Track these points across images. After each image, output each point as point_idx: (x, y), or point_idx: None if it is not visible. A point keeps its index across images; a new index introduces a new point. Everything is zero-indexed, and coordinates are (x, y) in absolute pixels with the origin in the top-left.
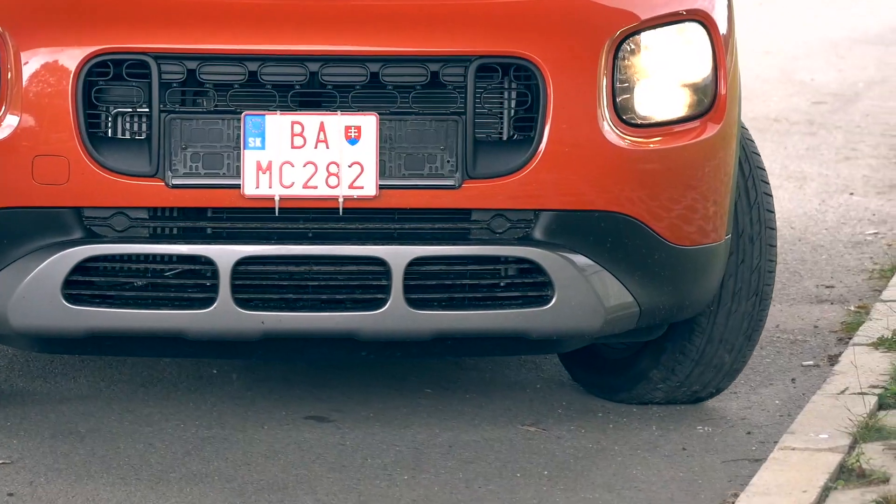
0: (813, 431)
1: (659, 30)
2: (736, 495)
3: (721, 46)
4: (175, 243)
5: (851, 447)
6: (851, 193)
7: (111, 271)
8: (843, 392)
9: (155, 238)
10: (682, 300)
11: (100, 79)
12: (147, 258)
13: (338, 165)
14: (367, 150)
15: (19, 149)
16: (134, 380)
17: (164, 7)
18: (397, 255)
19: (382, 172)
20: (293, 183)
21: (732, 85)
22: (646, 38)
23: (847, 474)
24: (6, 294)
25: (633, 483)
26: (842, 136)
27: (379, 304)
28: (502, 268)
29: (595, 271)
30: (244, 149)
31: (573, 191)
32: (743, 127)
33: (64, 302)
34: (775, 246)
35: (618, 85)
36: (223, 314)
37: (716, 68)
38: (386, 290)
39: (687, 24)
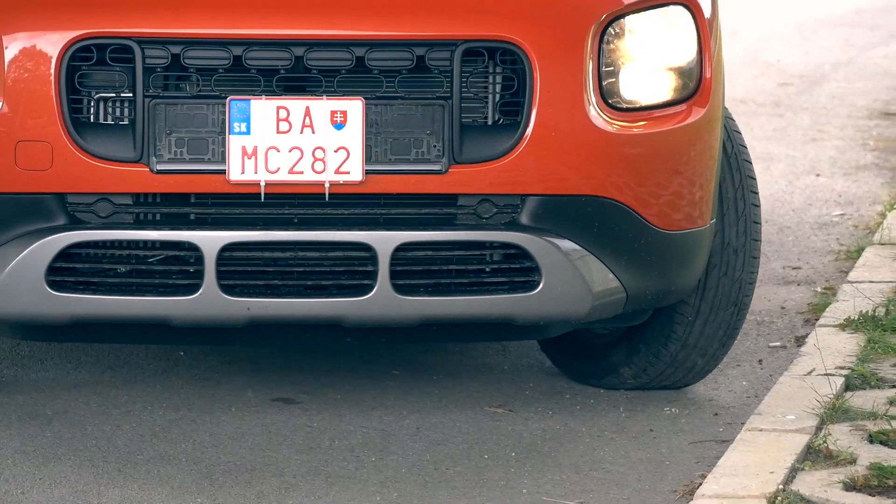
0: (780, 413)
1: (644, 13)
2: (703, 476)
3: (706, 30)
4: (160, 229)
5: (818, 428)
6: (818, 175)
7: (95, 258)
8: (809, 373)
9: (139, 224)
10: (668, 285)
11: (83, 63)
12: (131, 244)
13: (324, 150)
14: (353, 135)
15: (2, 134)
16: (101, 362)
17: None
18: (383, 241)
19: (368, 157)
20: (279, 168)
21: (717, 69)
22: (631, 21)
23: (814, 455)
24: None
25: (601, 464)
26: (808, 117)
27: (365, 289)
28: (489, 253)
29: (582, 256)
30: (229, 134)
31: (560, 175)
32: (729, 118)
33: (48, 289)
34: (758, 258)
35: (604, 69)
36: (209, 300)
37: (700, 52)
38: (372, 275)
39: (672, 7)
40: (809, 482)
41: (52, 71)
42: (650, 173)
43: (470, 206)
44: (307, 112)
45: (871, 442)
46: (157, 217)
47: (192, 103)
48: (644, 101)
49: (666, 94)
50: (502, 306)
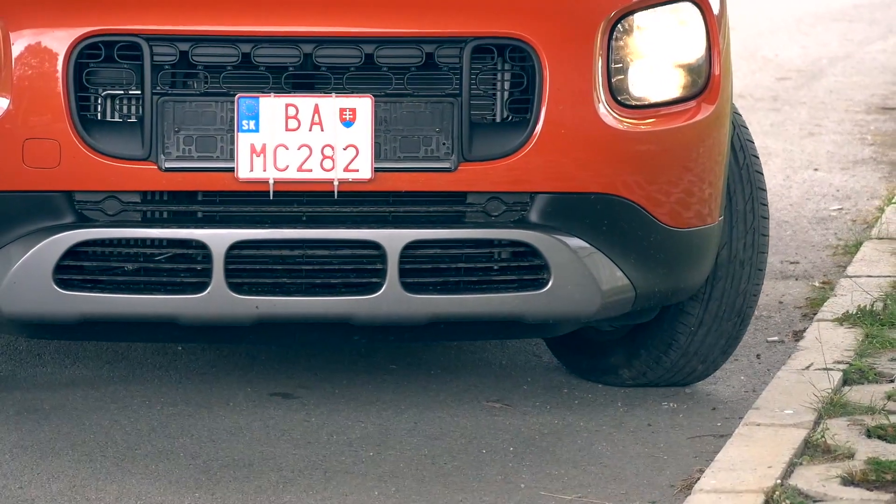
0: (778, 407)
1: (654, 10)
2: (701, 471)
3: (714, 26)
4: (168, 227)
5: (816, 423)
6: (816, 169)
7: (103, 256)
8: (807, 368)
9: (147, 222)
10: (677, 283)
11: (91, 61)
12: (139, 242)
13: (333, 148)
14: (363, 132)
15: (9, 132)
16: (99, 358)
17: None
18: (392, 239)
19: (377, 155)
20: (287, 166)
21: (725, 66)
22: (641, 18)
23: (812, 450)
24: None
25: (599, 459)
26: (806, 112)
27: (374, 288)
28: (498, 251)
29: (591, 254)
30: (238, 131)
31: (569, 173)
32: (743, 126)
33: (55, 287)
34: (764, 269)
35: (613, 66)
36: (217, 299)
37: (709, 49)
38: (381, 274)
39: (681, 3)
40: (807, 477)
41: (60, 68)
42: (659, 171)
43: (479, 204)
44: (316, 109)
45: (869, 436)
46: (165, 215)
47: (201, 101)
48: (653, 99)
49: (675, 91)
50: (511, 304)
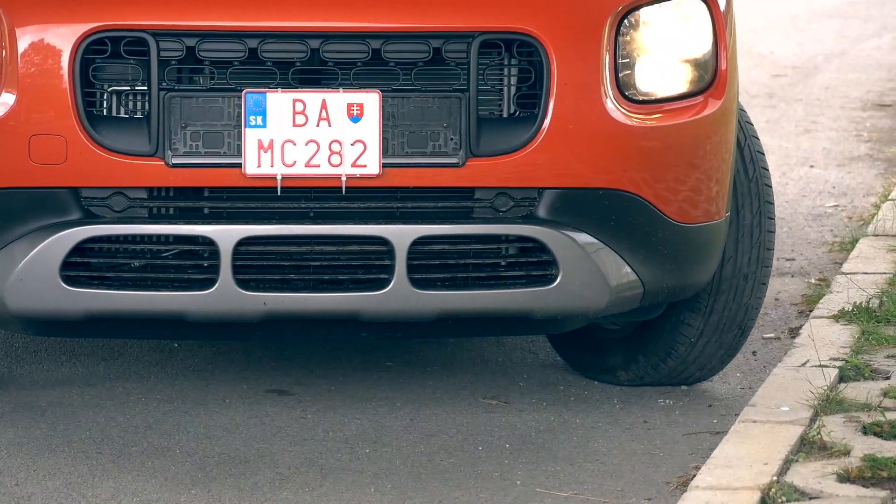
0: (774, 404)
1: (660, 4)
2: (697, 468)
3: (721, 21)
4: (175, 223)
5: (812, 420)
6: (812, 166)
7: (110, 252)
8: (803, 365)
9: (154, 218)
10: (685, 279)
11: (97, 56)
12: (146, 239)
13: (340, 144)
14: (370, 127)
15: (15, 128)
16: (95, 354)
17: None
18: (400, 235)
19: (385, 150)
20: (295, 162)
21: (732, 61)
22: (647, 12)
23: (808, 447)
24: (2, 276)
25: (595, 456)
26: (802, 108)
27: (382, 284)
28: (506, 247)
29: (599, 249)
30: (245, 127)
31: (577, 168)
32: (755, 136)
33: (62, 284)
34: (767, 284)
35: (620, 61)
36: (224, 295)
37: (716, 43)
38: (389, 269)
39: None
40: (803, 474)
41: (66, 64)
42: (667, 166)
43: (487, 200)
44: (323, 105)
45: (865, 433)
46: (172, 211)
47: (208, 96)
48: (660, 94)
49: (682, 86)
50: (520, 300)
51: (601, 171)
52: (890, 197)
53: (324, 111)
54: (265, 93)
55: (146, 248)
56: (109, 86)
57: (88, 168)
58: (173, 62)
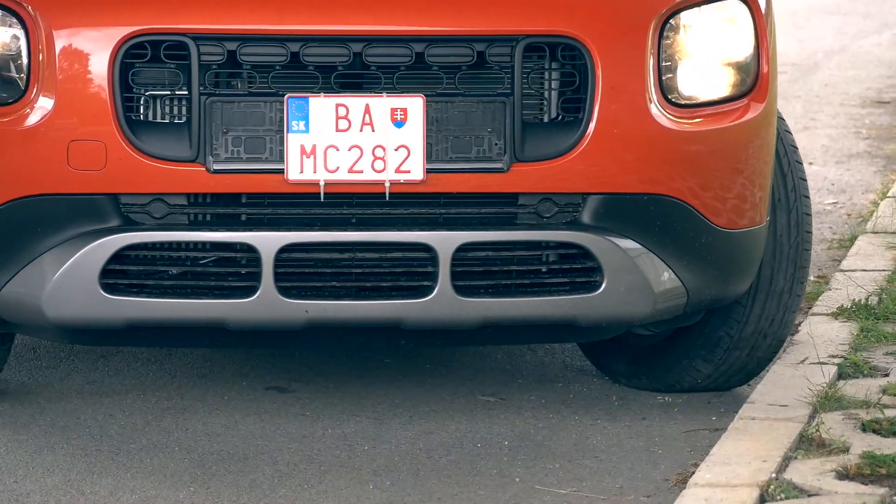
0: (773, 401)
1: (703, 7)
2: (696, 465)
3: (763, 23)
4: (216, 230)
5: (811, 417)
6: (811, 163)
7: (150, 260)
8: (802, 362)
9: (195, 225)
10: (727, 285)
11: (137, 61)
12: (187, 246)
13: (384, 149)
14: (414, 132)
15: (54, 134)
16: (94, 351)
17: None
18: (444, 241)
19: (429, 156)
20: (338, 167)
21: (773, 63)
22: (690, 16)
23: (807, 444)
24: (41, 284)
25: (594, 453)
26: (801, 105)
27: (425, 291)
28: (550, 253)
29: (644, 256)
30: (287, 132)
31: (622, 173)
32: (798, 162)
33: (102, 292)
34: (802, 295)
35: (663, 64)
36: (266, 303)
37: (758, 46)
38: (432, 276)
39: (729, 0)
40: (802, 471)
41: (105, 68)
42: (711, 171)
43: (531, 206)
44: (367, 109)
45: (864, 431)
46: (213, 218)
47: (249, 101)
48: (703, 97)
49: (724, 89)
50: (564, 307)
51: (646, 176)
52: (889, 194)
53: (367, 116)
54: (308, 97)
55: (186, 255)
56: (149, 90)
57: (128, 174)
58: (214, 66)
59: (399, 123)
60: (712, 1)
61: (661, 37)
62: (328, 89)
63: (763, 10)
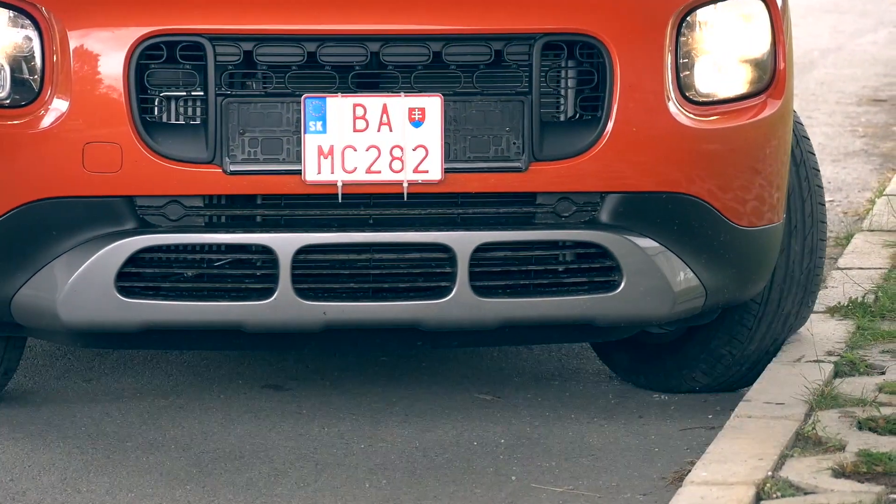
0: (769, 399)
1: (719, 4)
2: (692, 463)
3: (779, 20)
4: (232, 232)
5: (807, 415)
6: None
7: (166, 262)
8: (799, 360)
9: (211, 227)
10: (744, 284)
11: (152, 62)
12: (203, 248)
13: (402, 149)
14: (432, 132)
15: (69, 136)
16: (90, 349)
17: None
18: (462, 242)
19: (447, 156)
20: (356, 168)
21: (789, 60)
22: (707, 13)
23: (803, 442)
24: (56, 287)
25: (590, 451)
26: (797, 104)
27: (444, 292)
28: (568, 253)
29: (663, 255)
30: (305, 133)
31: (641, 172)
32: (819, 185)
33: (117, 295)
34: (808, 316)
35: (681, 62)
36: (284, 305)
37: (774, 43)
38: (451, 277)
39: None
40: (798, 469)
41: (121, 69)
42: (729, 169)
43: (549, 205)
44: (384, 109)
45: (860, 429)
46: (229, 220)
47: (266, 102)
48: (721, 95)
49: (742, 86)
50: (583, 307)
51: (664, 174)
52: (885, 192)
53: (385, 116)
54: (325, 97)
55: (203, 257)
56: (164, 92)
57: (144, 176)
58: (230, 67)
59: (417, 123)
60: None
61: (678, 34)
62: (345, 89)
63: (779, 6)
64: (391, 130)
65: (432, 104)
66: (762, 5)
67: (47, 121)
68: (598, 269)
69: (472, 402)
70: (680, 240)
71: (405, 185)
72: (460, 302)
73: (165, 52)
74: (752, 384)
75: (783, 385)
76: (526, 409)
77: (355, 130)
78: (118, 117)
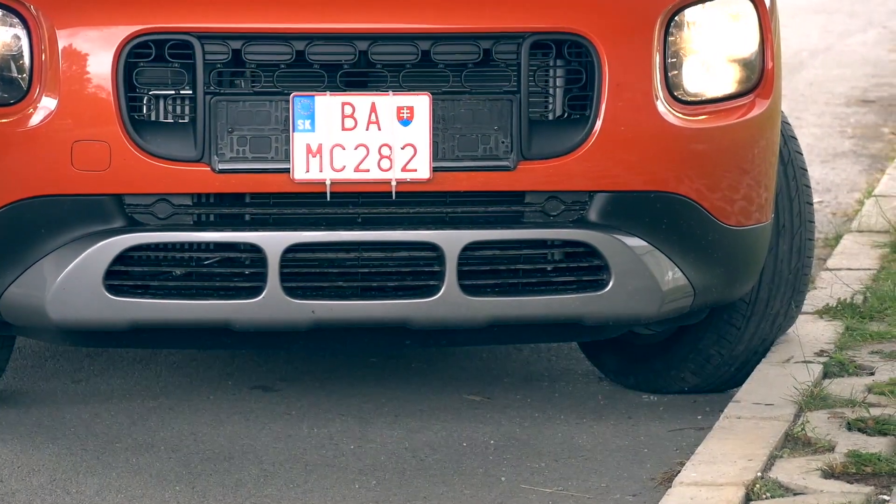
0: (759, 400)
1: (707, 4)
2: (682, 464)
3: (767, 19)
4: (221, 230)
5: (797, 416)
6: None
7: (154, 261)
8: (788, 360)
9: (200, 225)
10: (733, 283)
11: (140, 60)
12: (191, 246)
13: (390, 148)
14: (421, 131)
15: (57, 134)
16: (79, 351)
17: None
18: (451, 240)
19: (435, 154)
20: (344, 166)
21: (777, 60)
22: (696, 12)
23: (792, 442)
24: (45, 286)
25: (579, 452)
26: (786, 105)
27: (432, 290)
28: (557, 252)
29: (651, 254)
30: (293, 131)
31: (629, 171)
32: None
33: (106, 293)
34: (797, 316)
35: (669, 61)
36: (272, 303)
37: (762, 42)
38: (439, 276)
39: None
40: (788, 469)
41: (110, 68)
42: (717, 168)
43: (537, 204)
44: (373, 108)
45: (850, 429)
46: (218, 218)
47: (255, 100)
48: (709, 94)
49: (730, 86)
50: (571, 306)
51: (653, 173)
52: (874, 193)
53: (373, 114)
54: (313, 96)
55: (191, 255)
56: (153, 90)
57: (132, 174)
58: (219, 65)
59: (405, 122)
60: None
61: (666, 33)
62: (334, 88)
63: (768, 6)
64: (380, 129)
65: (421, 103)
66: (750, 5)
67: (36, 119)
68: (586, 269)
69: (462, 404)
70: (668, 239)
71: (394, 183)
72: (449, 301)
73: (154, 50)
74: (741, 385)
75: (772, 386)
76: (515, 410)
77: (344, 129)
78: (107, 116)
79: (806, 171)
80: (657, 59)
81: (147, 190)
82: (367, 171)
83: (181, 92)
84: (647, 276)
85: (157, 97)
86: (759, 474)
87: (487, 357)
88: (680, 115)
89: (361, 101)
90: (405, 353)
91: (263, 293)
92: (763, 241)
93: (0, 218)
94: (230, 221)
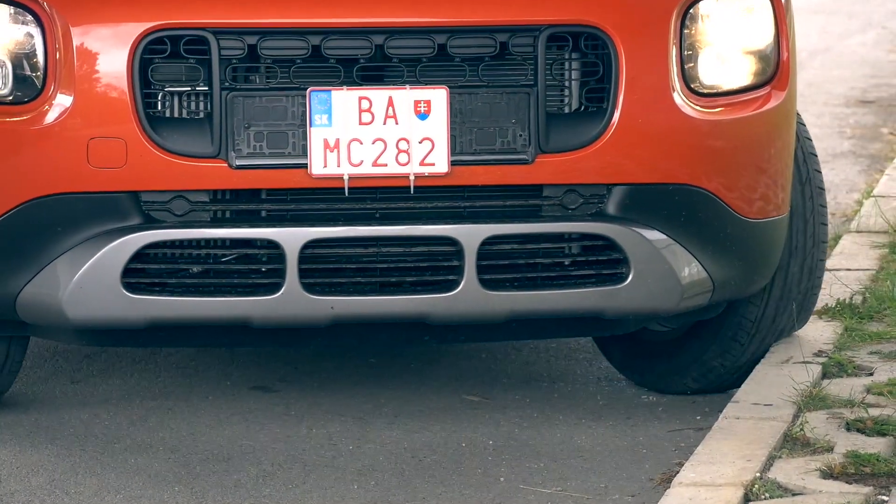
0: (757, 401)
1: None
2: (680, 464)
3: (783, 11)
4: (238, 227)
5: (795, 416)
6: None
7: (172, 258)
8: (787, 361)
9: (217, 222)
10: (751, 276)
11: (156, 56)
12: (209, 243)
13: (408, 142)
14: (438, 124)
15: (73, 131)
16: (79, 351)
17: None
18: (470, 235)
19: (453, 148)
20: (362, 161)
21: (792, 52)
22: (711, 4)
23: (791, 443)
24: (62, 285)
25: (578, 452)
26: None
27: (451, 285)
28: (576, 245)
29: (670, 247)
30: (310, 126)
31: (647, 163)
32: (820, 190)
33: (124, 291)
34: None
35: (686, 53)
36: (291, 300)
37: (778, 34)
38: (458, 270)
39: None
40: (786, 470)
41: (126, 64)
42: (734, 160)
43: (556, 197)
44: (390, 102)
45: (848, 430)
46: (235, 214)
47: (271, 95)
48: (725, 87)
49: (746, 78)
50: (591, 300)
51: (671, 166)
52: (873, 193)
53: (390, 109)
54: (330, 91)
55: (209, 252)
56: (169, 86)
57: (149, 171)
58: (235, 61)
59: (423, 115)
60: None
61: (682, 26)
62: (350, 82)
63: None
64: (397, 123)
65: (438, 97)
66: None
67: (51, 117)
68: (605, 262)
69: (461, 404)
70: (687, 232)
71: (411, 177)
72: (468, 295)
73: (169, 46)
74: (740, 386)
75: (771, 386)
76: (514, 411)
77: (361, 123)
78: (122, 113)
79: (823, 190)
80: (673, 51)
81: (164, 187)
82: (385, 165)
83: (197, 88)
84: (666, 269)
85: (172, 93)
86: (758, 475)
87: (486, 357)
88: (697, 108)
89: (378, 96)
90: (404, 353)
91: (282, 289)
92: (780, 233)
93: (16, 217)
94: (247, 218)
